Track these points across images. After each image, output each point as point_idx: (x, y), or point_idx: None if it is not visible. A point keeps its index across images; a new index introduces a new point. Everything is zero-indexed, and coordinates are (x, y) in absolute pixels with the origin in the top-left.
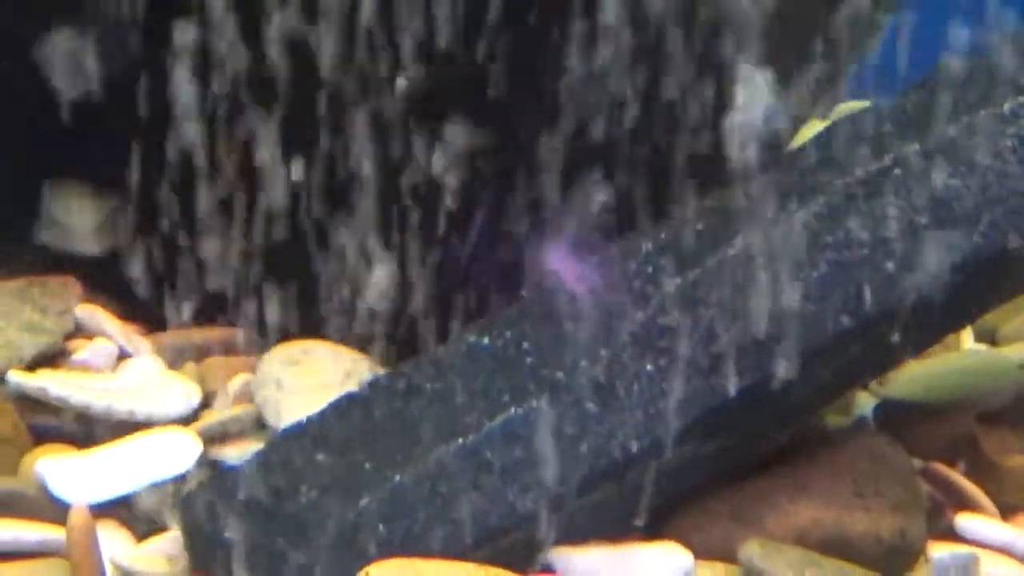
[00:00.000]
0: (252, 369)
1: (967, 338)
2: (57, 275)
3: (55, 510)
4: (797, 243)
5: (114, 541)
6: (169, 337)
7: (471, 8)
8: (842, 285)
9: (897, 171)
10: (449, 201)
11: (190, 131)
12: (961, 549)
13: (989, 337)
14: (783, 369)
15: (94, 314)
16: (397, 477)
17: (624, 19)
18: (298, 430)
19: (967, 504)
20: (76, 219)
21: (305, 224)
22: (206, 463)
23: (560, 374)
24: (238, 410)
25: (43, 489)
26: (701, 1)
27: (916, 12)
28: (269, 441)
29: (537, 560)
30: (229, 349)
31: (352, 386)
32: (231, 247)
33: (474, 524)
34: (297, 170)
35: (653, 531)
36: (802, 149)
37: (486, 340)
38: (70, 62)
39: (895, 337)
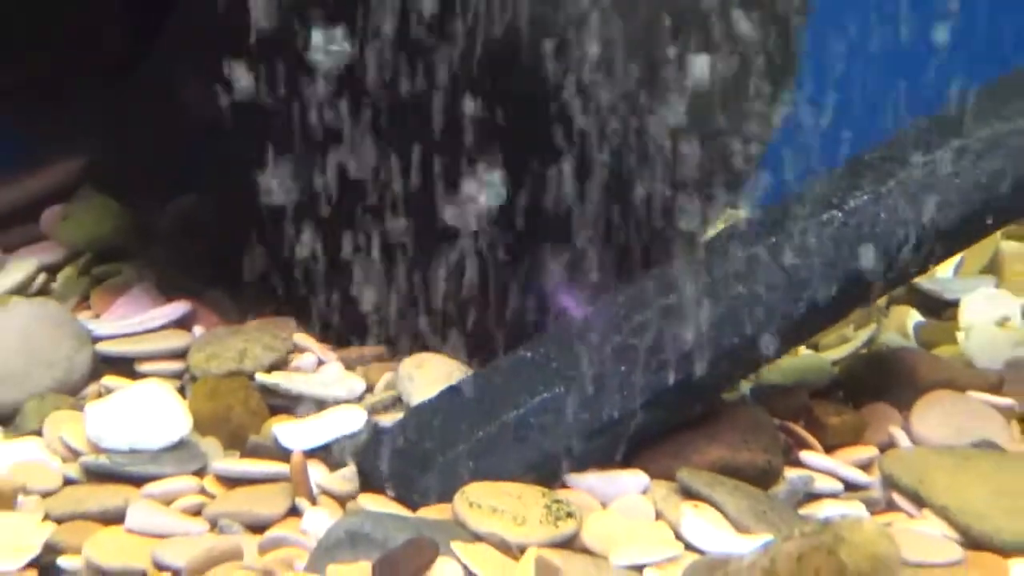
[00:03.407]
0: (395, 370)
1: (801, 348)
2: (280, 316)
3: (283, 454)
4: (707, 296)
5: (317, 472)
6: (346, 351)
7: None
8: (732, 320)
9: (763, 255)
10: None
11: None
12: (802, 472)
13: (814, 346)
14: (700, 368)
15: (303, 338)
16: (480, 433)
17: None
18: (422, 407)
19: (806, 446)
20: None
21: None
22: (370, 426)
23: (573, 372)
24: (387, 395)
25: (276, 442)
26: None
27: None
28: (406, 413)
29: (559, 481)
30: (380, 358)
31: (453, 381)
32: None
33: (523, 461)
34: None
35: (626, 463)
36: (709, 240)
37: (528, 354)
38: None
39: (763, 349)
